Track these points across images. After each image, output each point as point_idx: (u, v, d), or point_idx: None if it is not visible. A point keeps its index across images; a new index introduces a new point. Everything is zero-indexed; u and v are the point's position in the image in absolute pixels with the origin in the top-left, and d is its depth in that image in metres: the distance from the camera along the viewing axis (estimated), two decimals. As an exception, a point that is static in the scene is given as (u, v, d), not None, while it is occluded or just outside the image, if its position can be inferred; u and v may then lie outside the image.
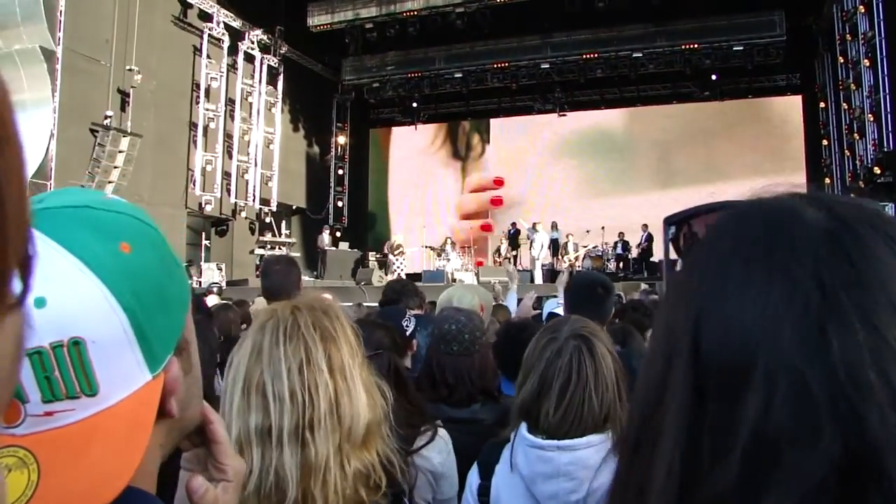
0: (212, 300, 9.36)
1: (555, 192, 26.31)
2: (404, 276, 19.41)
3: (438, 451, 2.17)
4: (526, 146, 27.23)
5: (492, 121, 27.95)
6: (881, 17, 15.34)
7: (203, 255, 20.99)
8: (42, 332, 0.66)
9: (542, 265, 19.68)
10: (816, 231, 0.57)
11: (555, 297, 4.57)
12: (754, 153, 23.66)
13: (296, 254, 23.62)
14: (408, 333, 3.16)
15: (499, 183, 27.45)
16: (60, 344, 0.67)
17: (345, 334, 1.47)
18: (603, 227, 21.95)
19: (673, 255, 0.85)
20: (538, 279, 18.37)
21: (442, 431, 2.20)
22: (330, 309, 1.50)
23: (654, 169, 25.20)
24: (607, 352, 1.99)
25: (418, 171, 28.74)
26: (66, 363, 0.67)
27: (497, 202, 27.32)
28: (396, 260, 20.74)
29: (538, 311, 4.79)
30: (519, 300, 5.02)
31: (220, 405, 1.39)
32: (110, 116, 18.25)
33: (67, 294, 0.67)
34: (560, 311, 3.93)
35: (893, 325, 0.51)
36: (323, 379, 1.37)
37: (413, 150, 28.84)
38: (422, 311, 4.28)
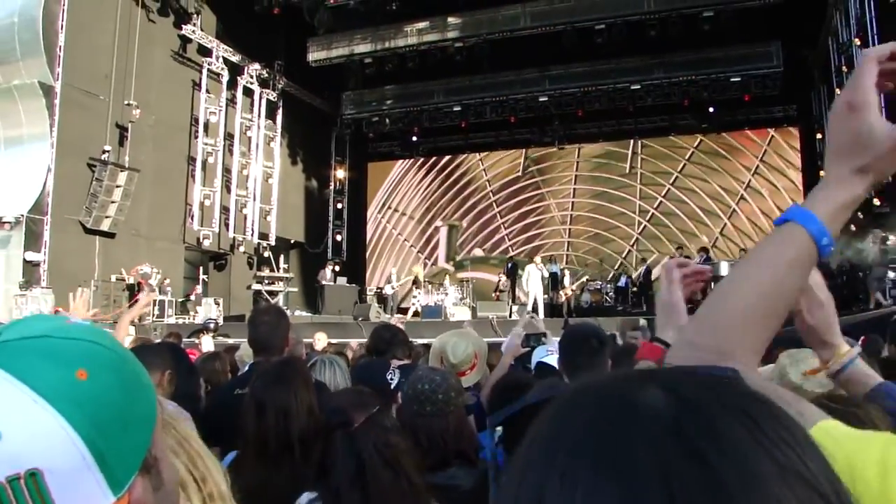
0: (206, 341, 9.27)
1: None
2: (419, 309, 19.34)
3: None
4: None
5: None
6: (877, 49, 15.36)
7: (201, 289, 20.88)
8: None
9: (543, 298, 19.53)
10: (656, 419, 0.45)
11: (544, 344, 4.44)
12: (752, 184, 23.68)
13: (293, 289, 23.60)
14: (392, 387, 3.05)
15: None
16: (17, 477, 0.66)
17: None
18: (601, 260, 21.92)
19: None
20: (539, 313, 18.19)
21: None
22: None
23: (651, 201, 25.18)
24: None
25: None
26: (23, 496, 0.66)
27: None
28: (422, 293, 20.56)
29: (527, 349, 4.66)
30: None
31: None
32: (108, 151, 18.27)
33: (23, 427, 0.68)
34: (549, 359, 3.82)
35: None
36: None
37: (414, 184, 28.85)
38: (409, 360, 4.15)
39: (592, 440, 0.45)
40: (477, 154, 28.07)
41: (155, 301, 18.40)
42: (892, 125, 0.92)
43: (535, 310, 18.31)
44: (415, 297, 20.81)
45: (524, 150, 27.22)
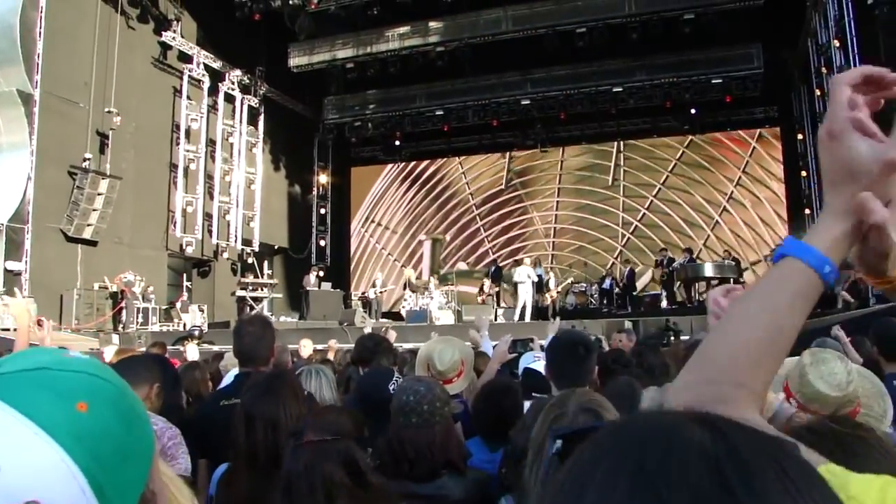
0: (191, 349, 9.19)
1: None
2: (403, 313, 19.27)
3: None
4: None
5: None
6: (856, 51, 15.52)
7: (187, 297, 20.79)
8: None
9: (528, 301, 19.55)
10: (697, 454, 0.49)
11: (531, 349, 4.44)
12: (735, 195, 23.84)
13: (278, 295, 23.51)
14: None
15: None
16: None
17: None
18: (586, 263, 22.00)
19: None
20: (526, 317, 18.17)
21: None
22: None
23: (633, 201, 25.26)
24: None
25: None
26: None
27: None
28: (416, 296, 20.47)
29: (514, 355, 4.66)
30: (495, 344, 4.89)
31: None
32: (89, 159, 18.12)
33: (23, 460, 0.67)
34: (536, 365, 3.81)
35: None
36: None
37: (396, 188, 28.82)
38: (395, 368, 4.13)
39: (631, 460, 0.50)
40: (460, 167, 27.99)
41: (138, 309, 18.31)
42: (876, 146, 0.90)
43: (523, 312, 18.34)
44: (405, 300, 20.78)
45: (506, 163, 27.19)
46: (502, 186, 27.30)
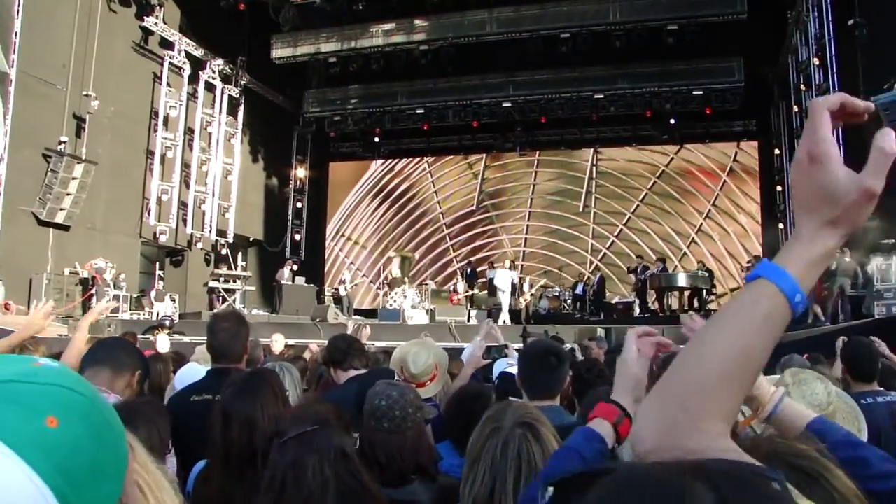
0: (162, 339, 9.10)
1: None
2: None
3: None
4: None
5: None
6: (835, 70, 15.75)
7: (162, 286, 20.60)
8: None
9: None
10: None
11: (506, 356, 4.45)
12: (703, 228, 24.08)
13: (251, 287, 23.35)
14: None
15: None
16: None
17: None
18: (560, 269, 22.10)
19: None
20: (506, 320, 18.14)
21: None
22: None
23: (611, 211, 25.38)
24: (552, 437, 1.94)
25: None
26: None
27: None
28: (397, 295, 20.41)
29: (488, 361, 4.66)
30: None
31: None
32: (65, 142, 17.90)
33: None
34: (512, 370, 3.82)
35: None
36: None
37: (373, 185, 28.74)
38: (366, 369, 4.11)
39: None
40: (432, 186, 27.95)
41: (110, 296, 18.10)
42: (857, 175, 0.90)
43: (499, 313, 18.37)
44: (391, 296, 20.73)
45: (479, 184, 27.23)
46: (473, 207, 27.29)
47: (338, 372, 4.07)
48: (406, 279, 20.89)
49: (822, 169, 0.92)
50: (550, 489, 0.77)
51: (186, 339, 14.08)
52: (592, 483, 0.65)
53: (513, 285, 19.22)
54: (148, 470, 1.18)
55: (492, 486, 1.86)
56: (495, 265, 20.87)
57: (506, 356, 4.43)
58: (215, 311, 18.71)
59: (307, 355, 7.36)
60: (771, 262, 0.94)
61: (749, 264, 19.04)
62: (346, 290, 21.40)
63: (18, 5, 16.74)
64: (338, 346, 4.12)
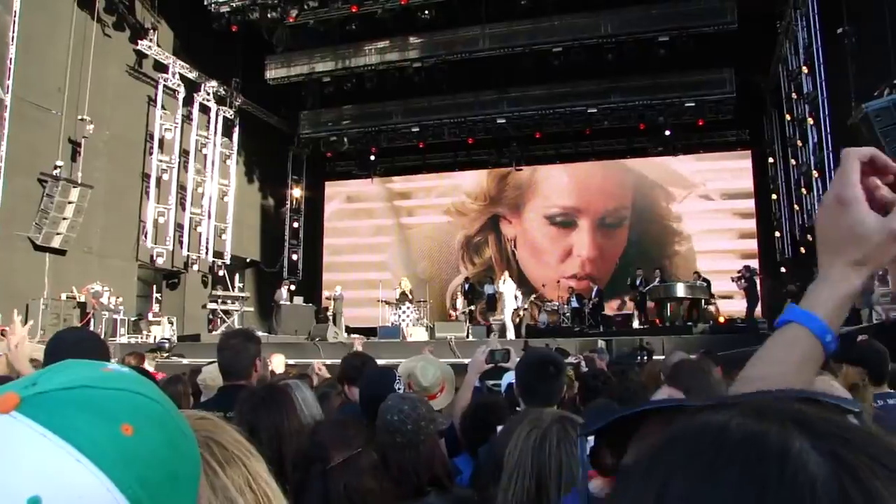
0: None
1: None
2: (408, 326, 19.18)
3: None
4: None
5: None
6: (823, 77, 15.88)
7: (159, 309, 20.55)
8: None
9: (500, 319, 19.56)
10: (822, 490, 0.42)
11: (508, 360, 4.45)
12: (706, 205, 24.18)
13: (249, 308, 23.31)
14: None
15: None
16: None
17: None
18: (558, 282, 22.09)
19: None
20: (510, 334, 18.17)
21: None
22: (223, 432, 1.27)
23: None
24: None
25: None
26: None
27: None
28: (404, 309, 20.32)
29: (492, 365, 4.65)
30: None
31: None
32: (60, 166, 17.88)
33: (64, 488, 0.61)
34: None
35: None
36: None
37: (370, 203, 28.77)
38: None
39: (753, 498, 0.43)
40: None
41: (108, 320, 18.08)
42: (883, 218, 0.95)
43: (503, 327, 18.37)
44: (399, 312, 20.65)
45: None
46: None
47: (352, 389, 4.13)
48: (411, 297, 20.77)
49: (850, 212, 0.96)
50: (591, 438, 0.76)
51: (185, 360, 14.04)
52: (632, 429, 0.64)
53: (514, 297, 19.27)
54: (270, 485, 1.16)
55: (536, 483, 1.84)
56: (493, 279, 20.87)
57: (508, 360, 4.42)
58: (215, 330, 18.69)
59: (313, 377, 7.34)
60: (798, 307, 1.00)
61: (740, 273, 18.96)
62: (333, 296, 21.23)
63: (13, 31, 16.79)
64: (353, 364, 4.26)
